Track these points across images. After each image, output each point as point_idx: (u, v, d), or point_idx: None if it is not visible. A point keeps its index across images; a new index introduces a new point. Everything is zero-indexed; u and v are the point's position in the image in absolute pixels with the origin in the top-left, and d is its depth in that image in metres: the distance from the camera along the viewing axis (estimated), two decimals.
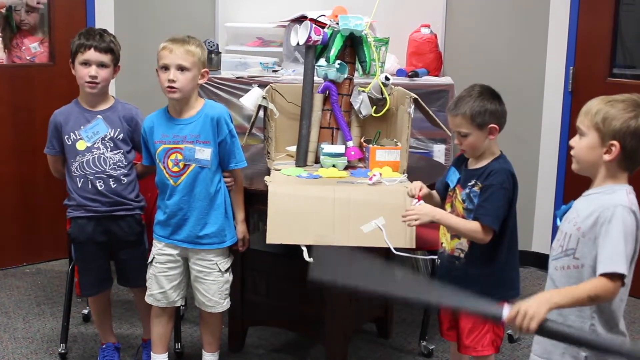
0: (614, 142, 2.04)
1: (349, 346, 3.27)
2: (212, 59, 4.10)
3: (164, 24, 4.47)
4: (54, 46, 4.39)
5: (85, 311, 3.68)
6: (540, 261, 4.58)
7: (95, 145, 2.99)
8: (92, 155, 2.99)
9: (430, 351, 3.41)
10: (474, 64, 4.42)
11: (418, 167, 3.36)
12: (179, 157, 2.85)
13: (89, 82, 2.98)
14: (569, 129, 4.34)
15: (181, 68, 2.80)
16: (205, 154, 2.85)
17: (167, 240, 2.94)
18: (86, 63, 2.98)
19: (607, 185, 2.10)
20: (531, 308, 1.99)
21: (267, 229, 2.84)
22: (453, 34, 4.41)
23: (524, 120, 4.39)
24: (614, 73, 4.21)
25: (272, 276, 3.31)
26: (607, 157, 2.06)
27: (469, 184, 2.61)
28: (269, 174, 3.10)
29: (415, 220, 2.59)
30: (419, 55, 4.23)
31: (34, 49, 4.42)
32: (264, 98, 3.13)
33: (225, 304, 3.01)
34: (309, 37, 3.14)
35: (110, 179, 3.00)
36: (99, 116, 3.02)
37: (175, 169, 2.87)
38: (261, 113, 3.34)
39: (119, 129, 3.02)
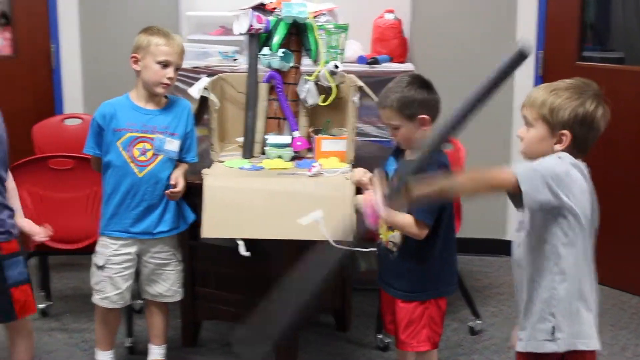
0: (565, 131, 2.01)
1: (300, 338, 3.22)
2: None
3: (128, 14, 4.42)
4: (17, 38, 4.34)
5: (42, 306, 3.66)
6: None
7: None
8: None
9: (386, 345, 3.35)
10: (442, 50, 4.34)
11: (370, 157, 3.28)
12: (147, 146, 2.84)
13: None
14: None
15: (178, 67, 2.87)
16: (174, 145, 2.88)
17: (125, 235, 2.88)
18: None
19: None
20: None
21: (202, 223, 2.78)
22: (420, 20, 4.32)
23: (494, 106, 4.26)
24: (584, 56, 4.12)
25: (222, 269, 3.25)
26: (558, 147, 2.02)
27: None
28: None
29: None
30: (383, 42, 4.14)
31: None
32: (205, 89, 3.06)
33: (182, 292, 3.05)
34: (251, 25, 3.07)
35: None
36: None
37: (142, 158, 2.85)
38: None
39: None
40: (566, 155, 2.01)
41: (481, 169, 2.01)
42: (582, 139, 2.02)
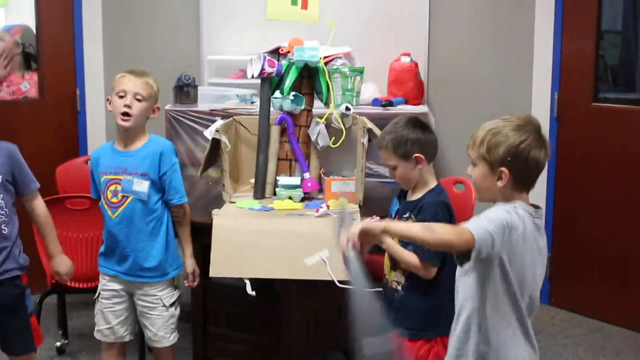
0: (502, 168, 2.04)
1: None
2: (190, 92, 4.11)
3: (153, 60, 4.49)
4: (43, 81, 4.47)
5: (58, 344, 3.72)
6: None
7: None
8: None
9: None
10: (458, 92, 4.38)
11: (382, 198, 3.31)
12: (118, 188, 2.86)
13: None
14: (556, 156, 4.25)
15: (138, 97, 2.84)
16: (142, 186, 2.84)
17: (111, 272, 2.93)
18: None
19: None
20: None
21: (210, 262, 2.82)
22: (436, 63, 4.37)
23: None
24: (599, 97, 4.12)
25: (233, 308, 3.28)
26: (500, 183, 2.06)
27: (404, 216, 2.58)
28: None
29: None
30: (399, 84, 4.20)
31: (24, 88, 4.50)
32: (216, 131, 3.13)
33: (172, 338, 2.98)
34: (263, 69, 3.14)
35: None
36: None
37: (114, 200, 2.87)
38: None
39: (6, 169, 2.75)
40: (520, 205, 2.04)
41: (446, 226, 2.05)
42: (521, 174, 2.05)
